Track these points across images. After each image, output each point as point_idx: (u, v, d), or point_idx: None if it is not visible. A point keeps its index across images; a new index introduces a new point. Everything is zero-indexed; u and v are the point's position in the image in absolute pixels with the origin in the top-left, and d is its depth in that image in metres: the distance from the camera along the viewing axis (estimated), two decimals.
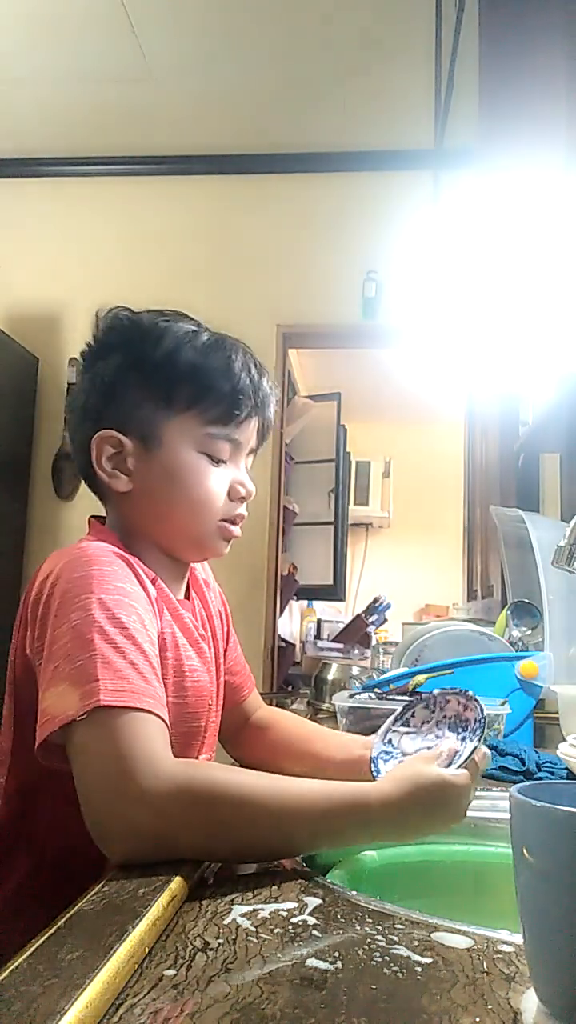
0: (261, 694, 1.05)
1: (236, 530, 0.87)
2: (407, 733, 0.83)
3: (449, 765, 0.69)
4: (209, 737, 0.87)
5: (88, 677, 0.62)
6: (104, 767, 0.59)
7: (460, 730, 0.77)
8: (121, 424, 0.82)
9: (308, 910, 0.51)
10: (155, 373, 0.82)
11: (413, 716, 0.84)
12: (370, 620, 4.19)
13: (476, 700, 0.78)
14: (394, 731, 0.84)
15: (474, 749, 0.70)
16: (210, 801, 0.59)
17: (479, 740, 0.71)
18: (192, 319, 0.88)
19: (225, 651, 0.96)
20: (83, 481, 0.88)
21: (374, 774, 0.79)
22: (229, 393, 0.83)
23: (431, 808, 0.64)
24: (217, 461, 0.84)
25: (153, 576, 0.81)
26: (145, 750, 0.60)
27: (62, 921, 0.46)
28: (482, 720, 0.74)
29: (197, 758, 0.84)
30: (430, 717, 0.82)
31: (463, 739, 0.74)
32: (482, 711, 0.75)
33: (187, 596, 0.91)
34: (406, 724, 0.84)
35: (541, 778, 1.01)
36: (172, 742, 0.77)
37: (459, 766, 0.67)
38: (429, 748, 0.76)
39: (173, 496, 0.83)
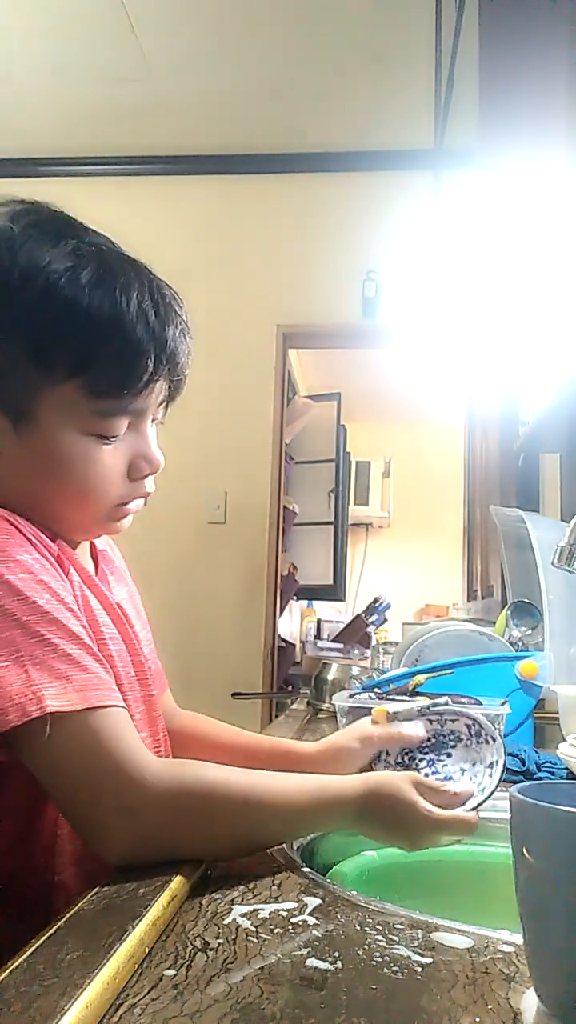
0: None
1: (134, 507, 0.73)
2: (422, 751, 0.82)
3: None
4: (156, 709, 0.79)
5: (25, 681, 0.56)
6: (90, 780, 0.57)
7: (471, 765, 0.76)
8: None
9: (308, 910, 0.51)
10: (23, 328, 0.63)
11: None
12: (370, 620, 4.18)
13: (493, 738, 0.76)
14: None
15: (484, 799, 0.70)
16: (209, 802, 0.59)
17: (493, 789, 0.71)
18: (80, 234, 0.68)
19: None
20: None
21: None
22: (121, 354, 0.64)
23: (394, 827, 0.65)
24: (110, 438, 0.68)
25: (52, 535, 0.68)
26: (126, 754, 0.58)
27: (62, 921, 0.46)
28: (500, 765, 0.73)
29: (157, 733, 0.78)
30: (429, 728, 0.81)
31: (480, 783, 0.73)
32: (499, 751, 0.75)
33: (97, 571, 0.79)
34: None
35: (541, 778, 1.01)
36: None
37: (470, 809, 0.68)
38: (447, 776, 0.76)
39: (53, 484, 0.67)
